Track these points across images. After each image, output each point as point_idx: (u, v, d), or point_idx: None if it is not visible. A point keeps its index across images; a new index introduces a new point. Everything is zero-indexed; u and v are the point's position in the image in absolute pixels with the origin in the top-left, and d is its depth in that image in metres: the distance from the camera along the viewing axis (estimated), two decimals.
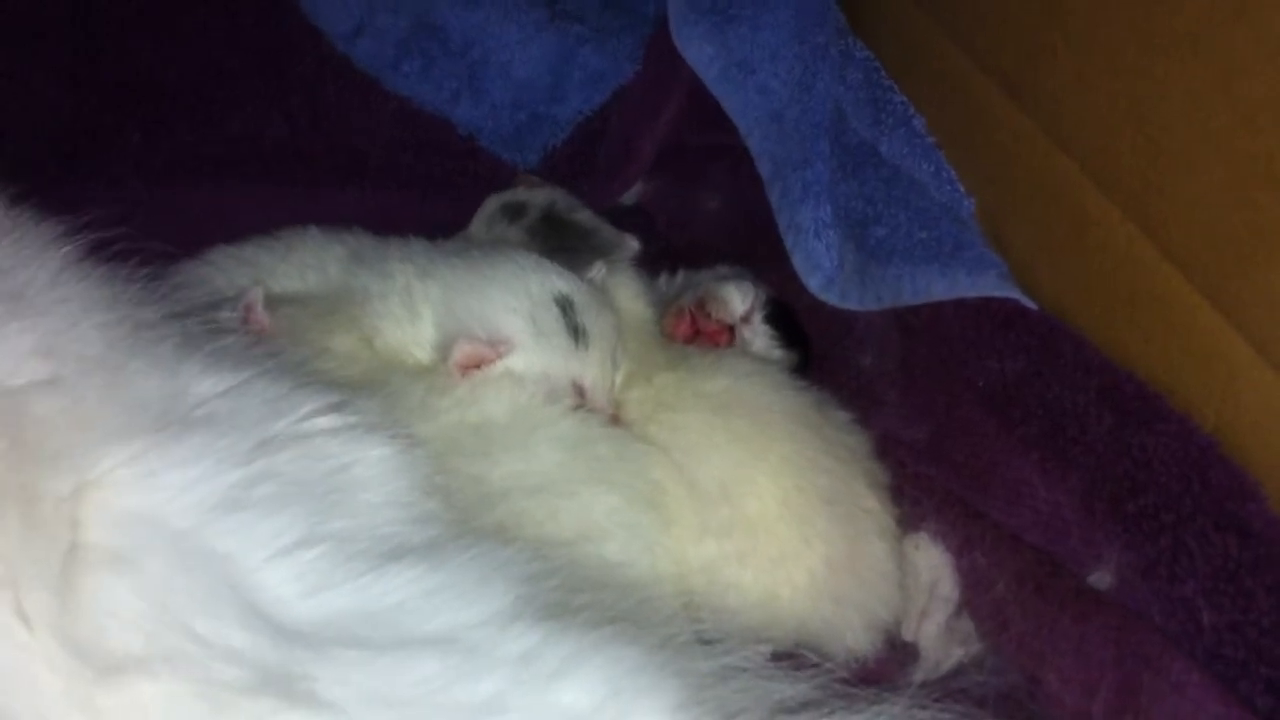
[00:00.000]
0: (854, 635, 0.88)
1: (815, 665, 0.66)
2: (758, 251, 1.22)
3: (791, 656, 0.81)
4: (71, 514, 0.54)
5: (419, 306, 0.97)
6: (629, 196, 1.36)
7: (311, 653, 0.54)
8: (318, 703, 0.52)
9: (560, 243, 1.12)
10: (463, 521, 0.69)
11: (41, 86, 1.29)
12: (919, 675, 0.88)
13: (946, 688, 0.73)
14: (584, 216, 1.19)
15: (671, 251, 1.25)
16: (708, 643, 0.69)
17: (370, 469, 0.65)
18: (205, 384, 0.62)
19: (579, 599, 0.63)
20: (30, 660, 0.50)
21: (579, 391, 0.96)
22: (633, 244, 1.17)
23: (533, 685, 0.55)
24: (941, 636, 0.90)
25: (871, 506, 0.93)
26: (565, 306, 0.96)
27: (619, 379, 1.00)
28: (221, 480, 0.57)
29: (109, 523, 0.55)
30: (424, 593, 0.57)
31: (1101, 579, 0.87)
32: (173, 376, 0.61)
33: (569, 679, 0.56)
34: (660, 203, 1.35)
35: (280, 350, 0.74)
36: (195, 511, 0.56)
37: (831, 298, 1.15)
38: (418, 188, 1.32)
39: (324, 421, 0.65)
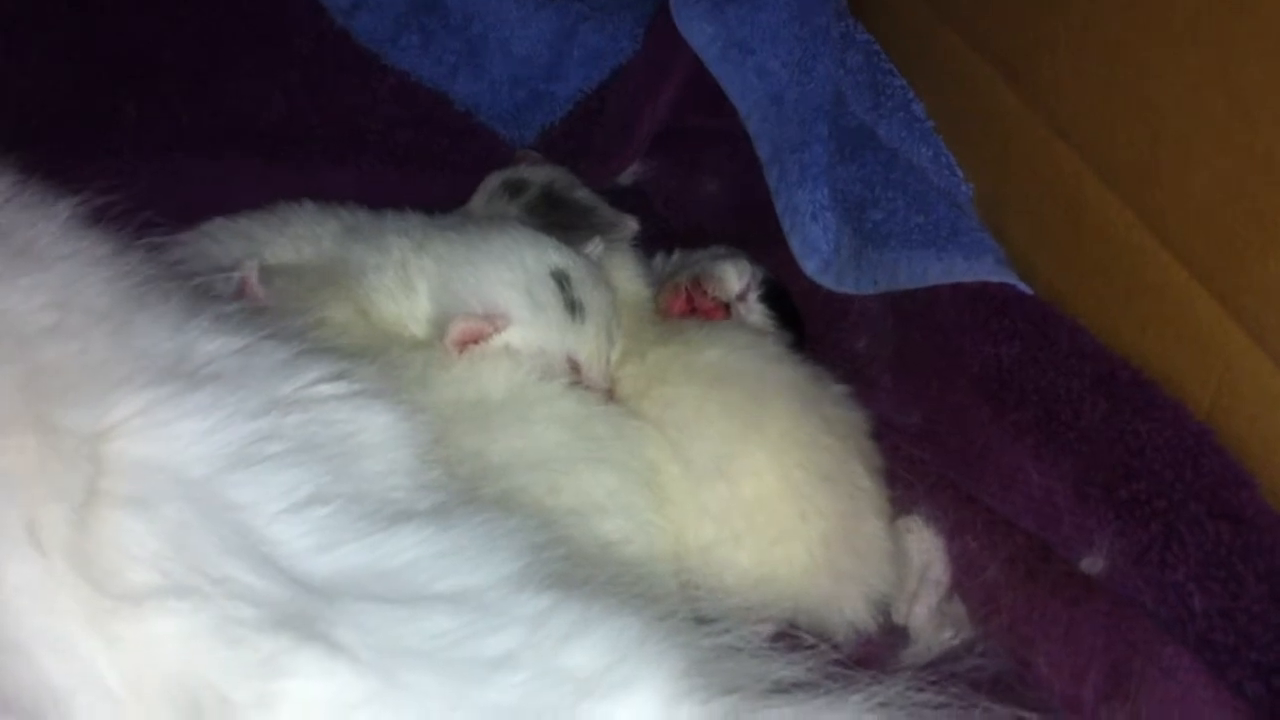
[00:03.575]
0: (853, 609, 0.88)
1: (812, 647, 0.66)
2: (754, 234, 1.21)
3: (790, 637, 0.81)
4: (92, 453, 0.54)
5: (414, 281, 0.96)
6: (626, 177, 1.35)
7: (325, 602, 0.54)
8: (333, 644, 0.52)
9: (559, 220, 1.11)
10: (466, 491, 0.69)
11: (39, 62, 1.28)
12: (910, 658, 0.88)
13: (940, 671, 0.73)
14: (583, 195, 1.18)
15: (668, 233, 1.24)
16: (705, 622, 0.69)
17: (376, 435, 0.65)
18: (214, 343, 0.62)
19: (582, 572, 0.63)
20: (47, 585, 0.51)
21: (574, 367, 0.95)
22: (632, 224, 1.16)
23: (543, 647, 0.56)
24: (932, 620, 0.91)
25: (868, 485, 0.92)
26: (561, 280, 0.96)
27: (615, 355, 0.99)
28: (233, 433, 0.58)
29: (125, 469, 0.55)
30: (434, 554, 0.58)
31: (1093, 564, 0.87)
32: (180, 333, 0.62)
33: (578, 642, 0.56)
34: (658, 184, 1.35)
35: (282, 318, 0.74)
36: (209, 461, 0.57)
37: (828, 281, 1.15)
38: (415, 164, 1.31)
39: (330, 388, 0.65)
